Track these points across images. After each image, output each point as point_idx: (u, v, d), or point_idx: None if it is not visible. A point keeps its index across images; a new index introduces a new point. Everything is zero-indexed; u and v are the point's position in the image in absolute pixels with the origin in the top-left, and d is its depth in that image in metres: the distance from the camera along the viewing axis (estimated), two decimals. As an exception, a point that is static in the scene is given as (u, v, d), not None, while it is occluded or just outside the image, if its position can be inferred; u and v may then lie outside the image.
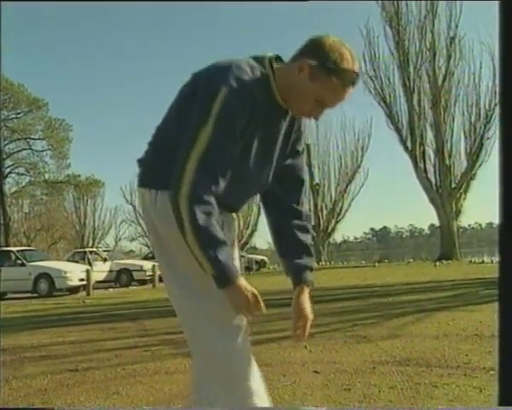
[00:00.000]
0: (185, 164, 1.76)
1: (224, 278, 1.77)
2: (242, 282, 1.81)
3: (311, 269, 2.16)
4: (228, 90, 1.78)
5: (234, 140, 1.80)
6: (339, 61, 1.80)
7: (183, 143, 1.80)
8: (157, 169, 1.97)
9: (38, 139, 44.47)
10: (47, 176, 45.87)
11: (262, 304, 1.85)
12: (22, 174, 45.53)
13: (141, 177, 2.05)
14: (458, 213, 31.30)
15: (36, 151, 44.54)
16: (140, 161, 2.07)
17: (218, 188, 1.80)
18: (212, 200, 1.78)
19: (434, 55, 31.50)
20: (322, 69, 1.80)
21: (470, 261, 26.09)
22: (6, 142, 43.33)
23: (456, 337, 5.17)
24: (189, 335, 2.02)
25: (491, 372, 3.70)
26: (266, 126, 1.91)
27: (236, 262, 2.12)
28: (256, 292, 1.84)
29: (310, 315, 2.08)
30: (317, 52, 1.82)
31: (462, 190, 30.92)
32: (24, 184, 46.30)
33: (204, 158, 1.76)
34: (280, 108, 1.93)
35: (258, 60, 1.93)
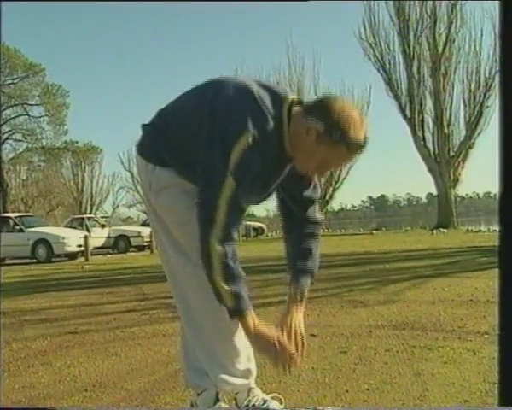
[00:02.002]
0: (215, 209, 1.79)
1: (239, 310, 1.88)
2: (263, 327, 1.92)
3: (312, 274, 2.18)
4: (247, 136, 1.78)
5: (251, 180, 1.85)
6: (346, 129, 1.78)
7: (203, 179, 1.84)
8: (157, 150, 2.02)
9: (35, 105, 44.10)
10: (44, 142, 45.62)
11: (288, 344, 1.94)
12: (19, 140, 45.27)
13: (141, 147, 2.10)
14: (456, 181, 31.29)
15: (33, 117, 44.20)
16: (144, 130, 2.10)
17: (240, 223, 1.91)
18: (236, 236, 1.87)
19: (435, 21, 31.15)
20: (329, 136, 1.79)
21: (467, 230, 26.21)
22: (3, 108, 43.00)
23: (451, 303, 5.22)
24: (179, 296, 2.08)
25: (486, 336, 3.75)
26: (273, 164, 1.93)
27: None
28: (279, 337, 1.92)
29: (304, 337, 2.04)
30: (324, 117, 1.80)
31: (460, 159, 30.86)
32: (21, 150, 46.08)
33: (231, 202, 1.79)
34: (287, 154, 1.94)
35: (279, 98, 1.93)
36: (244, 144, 1.77)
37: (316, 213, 2.20)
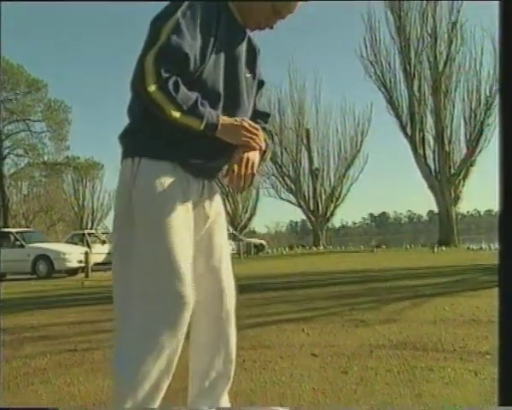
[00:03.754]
0: (145, 55, 1.83)
1: (212, 124, 1.91)
2: (227, 118, 1.96)
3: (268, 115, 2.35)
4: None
5: (194, 37, 1.90)
6: None
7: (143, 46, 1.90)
8: (140, 133, 2.00)
9: (37, 121, 44.33)
10: (46, 158, 45.80)
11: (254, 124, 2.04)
12: (21, 156, 45.43)
13: (124, 149, 2.06)
14: (457, 199, 31.36)
15: (35, 133, 44.42)
16: (121, 136, 2.08)
17: (180, 76, 1.86)
18: (177, 78, 1.85)
19: (436, 40, 31.41)
20: None
21: (468, 248, 26.19)
22: (5, 123, 43.18)
23: (453, 322, 5.20)
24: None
25: (487, 356, 3.73)
26: (229, 44, 2.04)
27: (224, 233, 2.22)
28: (243, 120, 2.01)
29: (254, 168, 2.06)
30: None
31: (461, 177, 30.95)
32: (23, 165, 46.24)
33: (164, 46, 1.84)
34: (238, 26, 2.09)
35: None
36: (188, 4, 1.91)
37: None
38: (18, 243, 17.99)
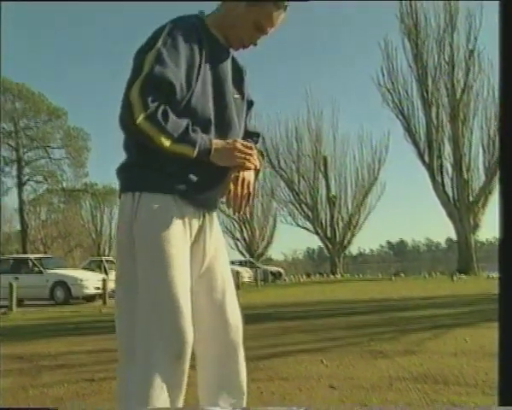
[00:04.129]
0: (130, 89, 1.83)
1: (205, 149, 1.90)
2: (220, 141, 1.96)
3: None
4: (173, 23, 1.97)
5: (178, 65, 1.90)
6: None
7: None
8: (138, 167, 1.99)
9: (57, 148, 44.92)
10: (64, 184, 46.32)
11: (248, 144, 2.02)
12: (40, 182, 45.96)
13: (122, 183, 2.06)
14: (476, 227, 31.07)
15: (54, 159, 45.00)
16: (119, 170, 2.08)
17: (169, 105, 1.86)
18: (165, 107, 1.85)
19: (453, 68, 31.40)
20: None
21: (488, 276, 25.80)
22: (25, 150, 43.82)
23: (474, 354, 5.12)
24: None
25: None
26: (214, 67, 2.04)
27: (226, 264, 2.18)
28: (236, 141, 1.99)
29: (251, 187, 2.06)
30: None
31: (480, 205, 30.69)
32: (42, 191, 46.75)
33: (149, 76, 1.84)
34: (222, 47, 2.10)
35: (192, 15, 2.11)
36: (166, 32, 1.92)
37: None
38: (36, 268, 18.09)
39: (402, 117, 32.49)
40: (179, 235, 1.94)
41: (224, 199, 2.01)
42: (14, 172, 43.39)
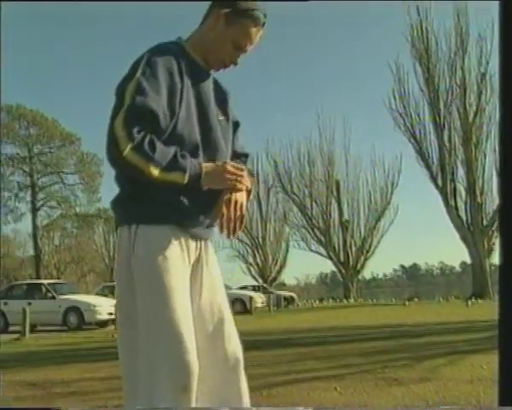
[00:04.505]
0: (113, 122, 1.82)
1: (196, 174, 1.89)
2: (210, 165, 1.96)
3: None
4: (151, 52, 1.97)
5: (159, 93, 1.89)
6: (248, 3, 2.04)
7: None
8: (132, 200, 1.98)
9: (70, 173, 45.35)
10: (78, 209, 46.64)
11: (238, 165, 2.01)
12: (54, 207, 46.37)
13: (118, 216, 2.05)
14: (490, 251, 30.82)
15: (68, 185, 45.43)
16: (114, 203, 2.07)
17: (154, 134, 1.85)
18: (151, 136, 1.84)
19: (465, 91, 31.40)
20: (236, 13, 2.03)
21: (503, 301, 25.50)
22: (39, 175, 44.28)
23: (490, 382, 5.02)
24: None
25: (529, 420, 3.59)
26: (196, 91, 2.05)
27: (222, 291, 2.15)
28: (225, 163, 1.99)
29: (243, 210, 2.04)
30: (227, 1, 2.05)
31: (494, 228, 30.46)
32: (55, 217, 47.07)
33: (130, 108, 1.83)
34: (202, 70, 2.11)
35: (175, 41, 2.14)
36: (145, 60, 1.92)
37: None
38: (49, 294, 18.12)
39: (414, 141, 32.46)
40: (178, 265, 1.94)
41: (217, 223, 2.00)
42: (29, 198, 43.91)
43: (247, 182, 2.02)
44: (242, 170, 2.01)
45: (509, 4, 1.48)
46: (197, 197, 1.96)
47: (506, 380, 1.43)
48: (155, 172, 1.82)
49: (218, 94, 2.18)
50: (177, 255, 1.94)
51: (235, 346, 2.09)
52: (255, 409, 2.44)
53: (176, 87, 1.96)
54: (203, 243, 2.09)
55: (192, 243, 2.02)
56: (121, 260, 1.97)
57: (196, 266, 2.06)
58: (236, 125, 2.28)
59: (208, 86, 2.13)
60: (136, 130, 1.80)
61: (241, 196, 1.99)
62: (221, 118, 2.14)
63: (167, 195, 1.92)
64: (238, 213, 1.96)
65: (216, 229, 2.09)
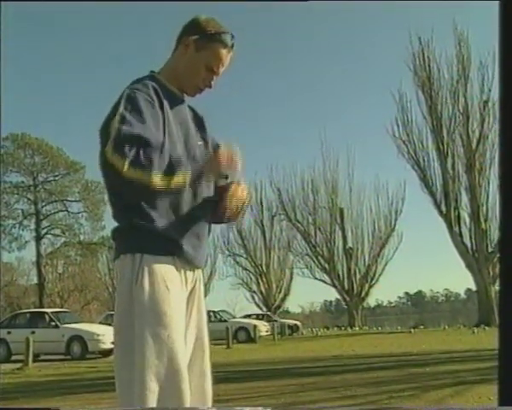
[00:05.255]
0: (103, 152, 1.82)
1: (196, 168, 1.95)
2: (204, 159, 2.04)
3: None
4: (129, 89, 2.01)
5: (143, 122, 1.91)
6: (216, 27, 2.13)
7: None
8: (136, 230, 1.98)
9: (75, 201, 45.44)
10: (82, 237, 46.63)
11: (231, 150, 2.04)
12: (58, 235, 46.34)
13: (120, 245, 2.04)
14: (496, 278, 30.59)
15: (72, 213, 45.47)
16: (115, 232, 2.08)
17: (142, 155, 1.83)
18: (144, 149, 1.84)
19: (468, 118, 31.51)
20: (205, 38, 2.11)
21: (510, 328, 25.28)
22: (43, 203, 44.39)
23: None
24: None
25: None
26: (177, 120, 2.10)
27: (204, 316, 2.18)
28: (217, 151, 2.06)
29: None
30: (195, 28, 2.14)
31: (499, 255, 30.31)
32: (59, 245, 47.03)
33: (117, 137, 1.83)
34: (179, 99, 2.18)
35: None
36: (126, 95, 1.97)
37: None
38: (53, 323, 18.02)
39: (418, 168, 32.51)
40: (178, 297, 1.97)
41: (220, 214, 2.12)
42: (33, 226, 43.88)
43: (238, 160, 2.06)
44: (234, 153, 2.05)
45: (509, 4, 1.48)
46: (194, 224, 2.03)
47: (506, 380, 1.42)
48: (157, 178, 1.84)
49: (196, 120, 2.26)
50: (178, 287, 1.98)
51: (207, 382, 2.12)
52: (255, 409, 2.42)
53: (159, 118, 2.00)
54: (198, 275, 2.14)
55: (190, 275, 2.07)
56: (123, 288, 1.97)
57: (189, 298, 2.09)
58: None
59: (186, 114, 2.20)
60: (127, 148, 1.80)
61: (237, 186, 2.13)
62: (200, 143, 2.20)
63: (169, 226, 1.96)
64: (240, 201, 2.11)
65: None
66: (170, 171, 1.87)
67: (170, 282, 1.94)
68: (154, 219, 1.94)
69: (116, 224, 2.08)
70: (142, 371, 1.86)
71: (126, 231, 2.02)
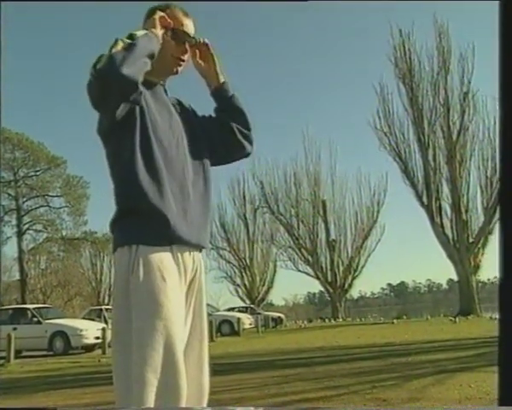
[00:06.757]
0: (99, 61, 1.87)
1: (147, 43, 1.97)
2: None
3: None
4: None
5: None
6: (169, 13, 2.15)
7: None
8: (131, 220, 1.97)
9: (56, 196, 45.02)
10: (64, 232, 46.25)
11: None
12: (40, 231, 45.89)
13: (116, 236, 2.02)
14: (477, 268, 30.96)
15: (53, 208, 45.05)
16: (113, 223, 2.05)
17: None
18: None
19: (448, 110, 31.75)
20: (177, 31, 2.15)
21: (491, 317, 25.56)
22: (24, 199, 43.93)
23: (479, 401, 5.02)
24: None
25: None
26: (156, 101, 2.12)
27: (204, 312, 2.15)
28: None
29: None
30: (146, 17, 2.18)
31: (480, 245, 30.63)
32: (41, 240, 46.61)
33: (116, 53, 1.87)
34: (155, 84, 2.18)
35: None
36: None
37: None
38: (35, 319, 17.89)
39: (399, 160, 32.70)
40: (176, 287, 1.94)
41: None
42: (14, 222, 43.44)
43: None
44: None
45: (509, 4, 1.49)
46: (190, 209, 2.03)
47: (506, 380, 1.43)
48: (124, 41, 1.89)
49: (184, 113, 2.27)
50: (175, 277, 1.95)
51: (204, 374, 2.10)
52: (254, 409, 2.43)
53: (144, 108, 2.04)
54: (198, 263, 2.10)
55: (189, 264, 2.04)
56: (120, 281, 1.95)
57: (188, 289, 2.06)
58: (210, 117, 2.39)
59: (164, 98, 2.21)
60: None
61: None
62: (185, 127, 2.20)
63: (165, 214, 1.94)
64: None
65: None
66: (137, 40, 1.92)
67: (166, 272, 1.91)
68: (148, 205, 1.93)
69: (113, 214, 2.05)
70: (138, 362, 1.85)
71: (121, 220, 2.01)
